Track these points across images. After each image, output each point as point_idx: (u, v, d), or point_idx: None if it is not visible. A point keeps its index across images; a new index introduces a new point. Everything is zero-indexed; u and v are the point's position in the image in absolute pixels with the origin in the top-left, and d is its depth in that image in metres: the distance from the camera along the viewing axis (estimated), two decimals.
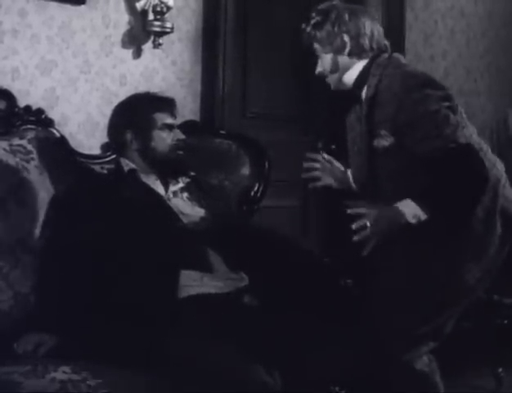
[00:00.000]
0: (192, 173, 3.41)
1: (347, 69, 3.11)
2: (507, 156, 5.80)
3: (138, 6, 3.92)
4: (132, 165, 3.28)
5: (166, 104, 3.37)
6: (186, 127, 3.94)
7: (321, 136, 3.84)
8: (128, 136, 3.29)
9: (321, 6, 3.15)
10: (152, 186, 3.26)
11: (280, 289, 3.11)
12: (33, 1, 3.59)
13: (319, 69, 3.16)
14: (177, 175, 3.34)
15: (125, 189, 3.19)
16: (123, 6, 3.90)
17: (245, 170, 3.84)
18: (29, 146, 3.37)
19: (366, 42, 3.09)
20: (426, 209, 2.88)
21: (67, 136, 3.61)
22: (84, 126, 3.80)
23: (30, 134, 3.43)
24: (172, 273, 3.00)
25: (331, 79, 3.15)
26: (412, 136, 2.94)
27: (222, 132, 3.99)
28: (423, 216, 2.88)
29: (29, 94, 3.59)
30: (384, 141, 3.00)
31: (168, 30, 3.96)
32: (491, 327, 4.67)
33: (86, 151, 3.69)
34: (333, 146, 3.59)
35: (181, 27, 4.14)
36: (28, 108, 3.51)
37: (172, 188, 3.30)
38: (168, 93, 4.03)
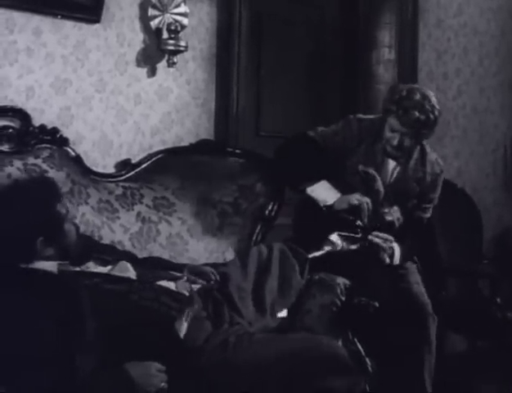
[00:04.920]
0: None
1: None
2: None
3: (153, 24, 3.93)
4: None
5: None
6: (200, 146, 3.97)
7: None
8: None
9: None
10: None
11: None
12: (47, 20, 3.60)
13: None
14: None
15: None
16: (137, 24, 3.92)
17: (260, 189, 3.84)
18: (44, 166, 3.39)
19: None
20: None
21: (82, 154, 3.63)
22: (99, 145, 3.80)
23: (45, 153, 3.45)
24: None
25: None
26: None
27: (237, 150, 3.99)
28: None
29: (43, 113, 3.60)
30: None
31: (182, 49, 3.97)
32: (506, 346, 4.65)
33: (100, 170, 3.70)
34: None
35: (196, 46, 4.15)
36: (43, 127, 3.52)
37: None
38: (183, 112, 4.07)
